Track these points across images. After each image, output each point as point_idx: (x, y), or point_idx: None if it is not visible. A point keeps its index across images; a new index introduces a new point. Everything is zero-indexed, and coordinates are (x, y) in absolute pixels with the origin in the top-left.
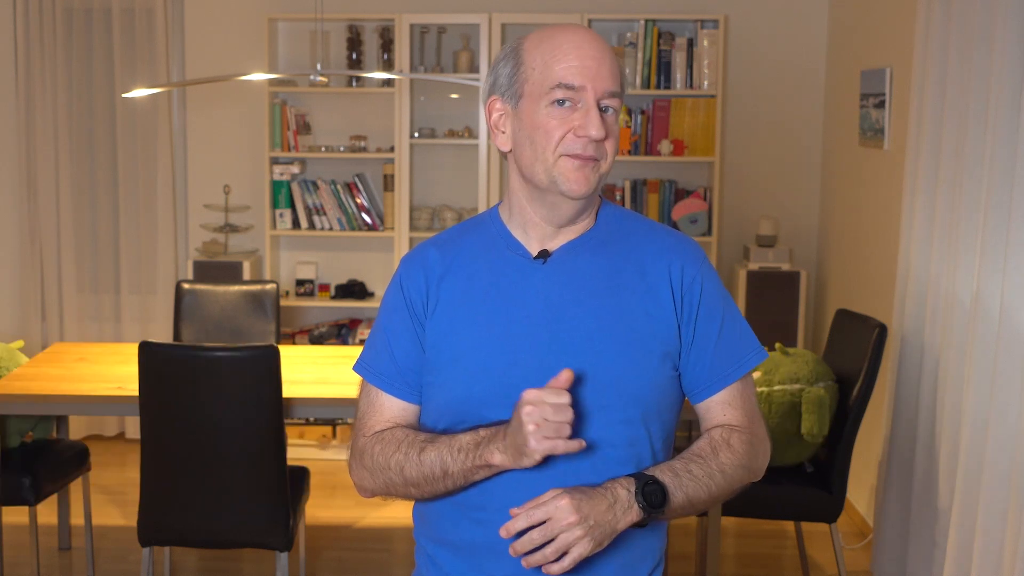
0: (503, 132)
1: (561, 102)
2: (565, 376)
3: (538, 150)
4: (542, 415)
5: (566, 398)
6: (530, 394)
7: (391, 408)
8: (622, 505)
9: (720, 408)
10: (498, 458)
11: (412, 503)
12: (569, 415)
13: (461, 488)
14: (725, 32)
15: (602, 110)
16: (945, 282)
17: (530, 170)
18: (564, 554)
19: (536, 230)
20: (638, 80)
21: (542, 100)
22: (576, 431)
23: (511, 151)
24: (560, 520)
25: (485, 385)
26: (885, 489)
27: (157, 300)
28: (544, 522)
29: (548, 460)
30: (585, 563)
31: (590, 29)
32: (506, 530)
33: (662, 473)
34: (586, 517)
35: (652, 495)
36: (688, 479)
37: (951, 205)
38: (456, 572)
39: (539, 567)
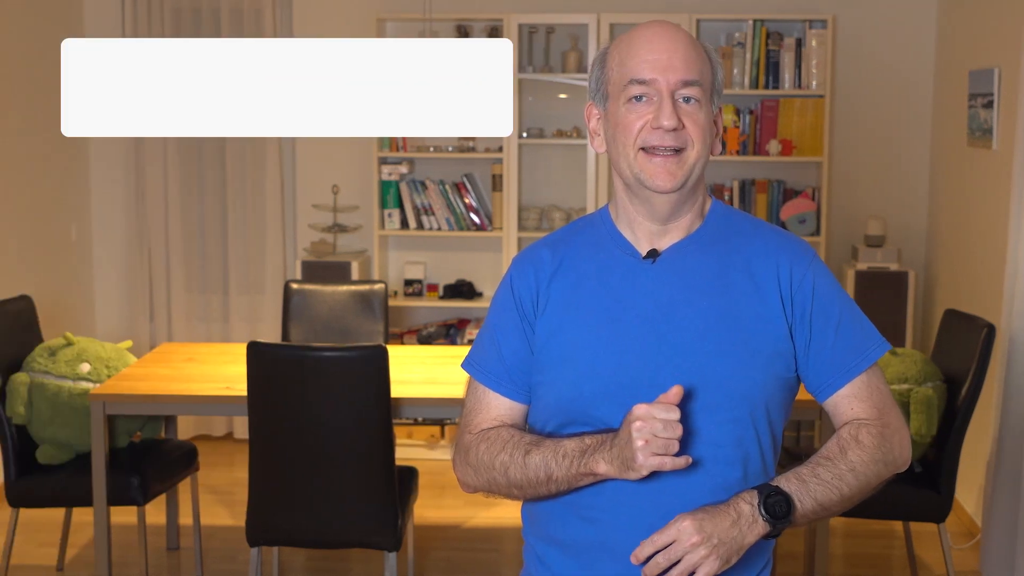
0: (599, 135)
1: (638, 98)
2: (675, 392)
3: (620, 147)
4: (652, 431)
5: (676, 414)
6: (640, 409)
7: (498, 406)
8: (746, 520)
9: (847, 403)
10: (603, 467)
11: (520, 502)
12: (678, 431)
13: (564, 492)
14: (833, 32)
15: (684, 100)
16: None
17: (618, 168)
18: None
19: (642, 229)
20: (746, 80)
21: (621, 98)
22: (683, 431)
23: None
24: (684, 542)
25: (594, 384)
26: (993, 489)
27: (265, 300)
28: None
29: None
30: None
31: (670, 23)
32: (635, 556)
33: (787, 482)
34: (709, 536)
35: (776, 506)
36: (816, 484)
37: None
38: (565, 571)
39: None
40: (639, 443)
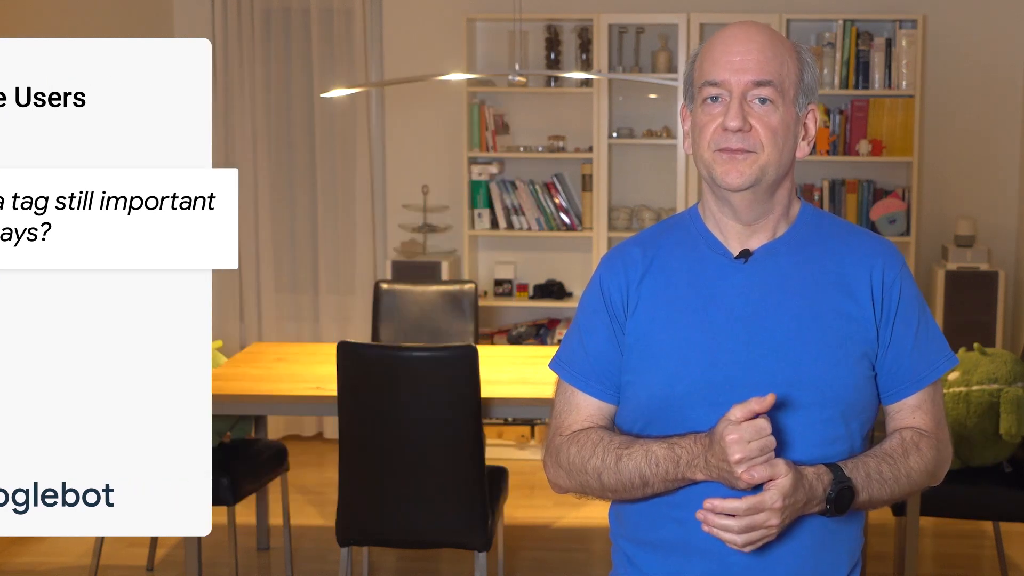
0: (689, 137)
1: (714, 99)
2: (769, 400)
3: (697, 148)
4: (747, 449)
5: (767, 430)
6: (731, 435)
7: (587, 407)
8: (814, 500)
9: (910, 412)
10: (702, 477)
11: (609, 503)
12: (772, 444)
13: (660, 495)
14: (923, 32)
15: (759, 102)
16: None
17: (698, 168)
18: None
19: (730, 229)
20: (836, 80)
21: (699, 99)
22: (775, 430)
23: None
24: (766, 506)
25: (685, 384)
26: None
27: (354, 300)
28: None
29: None
30: (783, 563)
31: (756, 24)
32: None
33: (855, 472)
34: (785, 508)
35: (842, 499)
36: (877, 481)
37: None
38: (654, 572)
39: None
40: (736, 457)
